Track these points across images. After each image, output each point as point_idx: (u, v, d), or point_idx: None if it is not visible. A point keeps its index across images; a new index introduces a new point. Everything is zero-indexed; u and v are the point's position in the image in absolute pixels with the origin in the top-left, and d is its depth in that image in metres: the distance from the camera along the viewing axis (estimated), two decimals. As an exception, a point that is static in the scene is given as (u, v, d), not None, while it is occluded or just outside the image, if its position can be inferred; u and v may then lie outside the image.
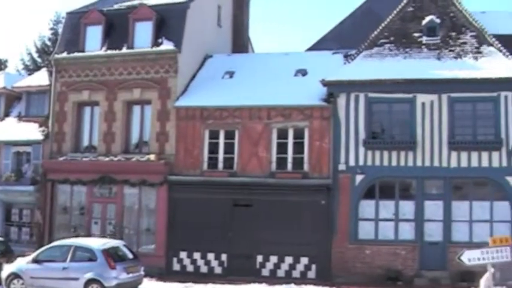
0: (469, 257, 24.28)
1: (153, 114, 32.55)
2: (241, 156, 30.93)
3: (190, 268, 31.00)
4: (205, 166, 31.57)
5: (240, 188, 30.34)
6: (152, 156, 31.69)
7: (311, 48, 38.82)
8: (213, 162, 31.58)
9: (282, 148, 30.69)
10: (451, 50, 30.89)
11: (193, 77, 34.31)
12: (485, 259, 24.11)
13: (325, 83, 29.85)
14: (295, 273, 29.73)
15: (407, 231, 29.11)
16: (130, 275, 24.03)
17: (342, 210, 29.42)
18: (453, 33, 31.63)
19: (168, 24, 33.44)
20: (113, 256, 23.77)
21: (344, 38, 36.79)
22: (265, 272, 30.03)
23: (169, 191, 31.45)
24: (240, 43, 39.56)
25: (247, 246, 30.02)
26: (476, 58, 30.34)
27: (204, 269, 30.80)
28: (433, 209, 28.94)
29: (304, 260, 29.77)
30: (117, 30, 34.09)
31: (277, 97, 30.97)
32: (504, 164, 28.68)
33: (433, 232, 28.89)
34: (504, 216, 28.51)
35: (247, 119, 31.01)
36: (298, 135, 30.56)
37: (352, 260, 29.10)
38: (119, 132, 32.94)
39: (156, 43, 33.01)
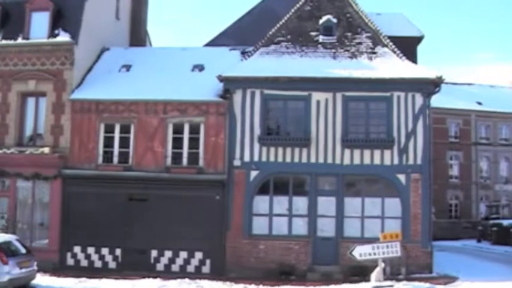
0: (361, 252, 24.97)
1: (48, 106, 31.78)
2: (136, 150, 30.64)
3: (84, 263, 30.47)
4: (100, 160, 31.06)
5: (135, 182, 30.07)
6: (46, 149, 31.02)
7: (209, 44, 38.80)
8: (108, 156, 31.10)
9: (177, 143, 30.55)
10: (346, 50, 31.51)
11: (90, 69, 33.73)
12: (376, 254, 24.87)
13: (221, 79, 29.90)
14: (190, 268, 29.73)
15: (300, 227, 29.53)
16: (23, 270, 23.38)
17: (237, 205, 29.57)
18: (349, 34, 32.27)
19: (65, 15, 32.75)
20: (5, 251, 23.03)
21: (242, 35, 36.94)
22: (159, 267, 29.87)
23: (63, 185, 30.80)
24: (138, 37, 39.27)
25: (142, 241, 29.82)
26: (370, 58, 31.06)
27: (98, 263, 30.34)
28: (326, 204, 29.47)
29: (199, 255, 29.79)
30: (13, 20, 33.11)
31: (174, 92, 30.88)
32: (395, 162, 29.49)
33: (326, 227, 29.42)
34: (395, 213, 29.37)
35: (143, 113, 30.73)
36: (194, 130, 30.52)
37: (246, 255, 29.30)
38: (13, 124, 32.07)
39: (52, 34, 32.26)
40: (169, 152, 30.53)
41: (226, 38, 38.19)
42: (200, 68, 33.00)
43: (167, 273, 28.44)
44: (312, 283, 26.43)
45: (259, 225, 29.65)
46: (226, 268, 29.16)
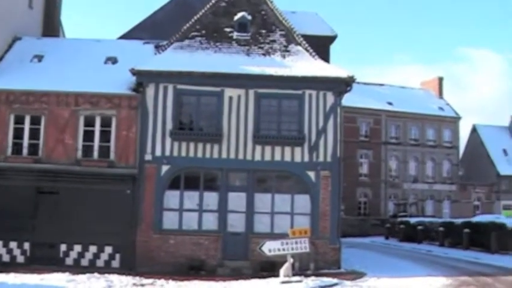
0: (270, 248, 25.21)
1: (-44, 97, 31.01)
2: (47, 142, 30.10)
3: (-8, 257, 29.85)
4: (9, 152, 30.32)
5: (45, 175, 29.55)
6: (-48, 140, 30.26)
7: (123, 37, 38.49)
8: (17, 148, 30.38)
9: (88, 136, 30.20)
10: (260, 47, 31.79)
11: (1, 59, 33.08)
12: (285, 250, 25.16)
13: (134, 72, 29.71)
14: (99, 263, 29.48)
15: (211, 222, 29.66)
16: None
17: (147, 200, 29.46)
18: (263, 31, 32.55)
19: (-26, 3, 32.06)
20: None
21: (157, 29, 36.83)
22: (69, 261, 29.45)
23: (-30, 178, 30.07)
24: (52, 27, 38.68)
25: (51, 234, 29.30)
26: (284, 56, 31.43)
27: (6, 257, 29.58)
28: (237, 200, 29.70)
29: (109, 249, 29.57)
30: None
31: (86, 84, 30.49)
32: (306, 159, 29.93)
33: (236, 223, 29.65)
34: (304, 209, 29.83)
35: (54, 105, 30.19)
36: (106, 123, 30.21)
37: (156, 250, 29.22)
38: None
39: (-40, 22, 31.56)
40: (80, 144, 30.10)
41: (141, 32, 37.94)
42: (113, 60, 32.79)
43: (76, 268, 28.00)
44: (221, 278, 26.45)
45: (170, 220, 29.61)
46: (136, 263, 28.98)
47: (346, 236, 44.46)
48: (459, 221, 47.99)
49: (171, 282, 24.89)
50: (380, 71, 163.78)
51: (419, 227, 51.65)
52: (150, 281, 24.97)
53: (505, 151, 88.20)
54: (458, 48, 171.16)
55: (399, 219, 60.79)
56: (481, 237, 41.17)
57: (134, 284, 24.10)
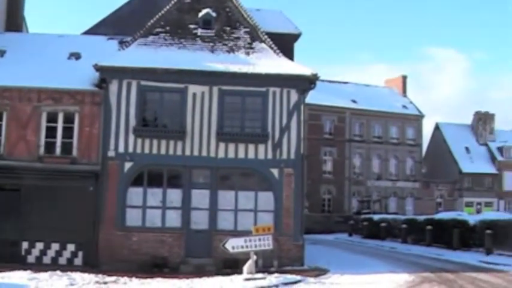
0: (233, 245, 25.28)
1: None
2: (8, 139, 29.72)
3: (-49, 255, 29.43)
4: (-30, 148, 30.07)
5: (7, 171, 29.10)
6: None
7: (87, 32, 38.21)
8: (-22, 144, 30.16)
9: (51, 132, 29.86)
10: (224, 44, 31.79)
11: (-38, 55, 32.62)
12: (248, 247, 25.26)
13: (97, 68, 29.45)
14: (62, 260, 29.22)
15: (174, 219, 29.56)
16: None
17: (110, 197, 29.24)
18: (228, 28, 32.55)
19: None
20: None
21: (122, 24, 36.56)
22: (30, 259, 29.15)
23: None
24: (15, 22, 38.27)
25: (12, 232, 28.93)
26: (248, 53, 31.48)
27: (-34, 255, 29.38)
28: (200, 197, 29.65)
29: (71, 247, 29.32)
30: None
31: (49, 80, 30.18)
32: (269, 156, 29.98)
33: (199, 220, 29.60)
34: (268, 206, 29.91)
35: (16, 101, 29.81)
36: (69, 119, 29.94)
37: (119, 247, 28.99)
38: None
39: None
40: (42, 141, 29.81)
41: (106, 27, 37.70)
42: (77, 56, 32.54)
43: (39, 266, 27.73)
44: (185, 275, 26.35)
45: (133, 217, 29.44)
46: (99, 260, 28.77)
47: (310, 233, 44.65)
48: (422, 218, 48.51)
49: (134, 279, 24.76)
50: (345, 70, 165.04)
51: (383, 224, 52.05)
52: (113, 278, 24.83)
53: (467, 149, 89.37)
54: (423, 47, 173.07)
55: (363, 216, 61.28)
56: (443, 234, 41.60)
57: (97, 282, 23.90)
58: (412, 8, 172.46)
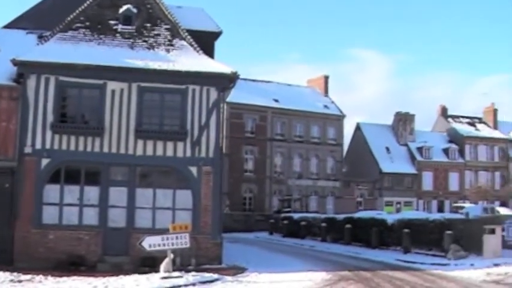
0: (150, 243, 25.20)
1: None
2: None
3: None
4: None
5: None
6: None
7: (7, 27, 37.28)
8: None
9: (-35, 127, 29.23)
10: (144, 41, 31.64)
11: None
12: (165, 245, 25.21)
13: (15, 63, 28.88)
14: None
15: (91, 217, 29.24)
16: None
17: (26, 194, 28.70)
18: (148, 25, 32.40)
19: None
20: None
21: (43, 19, 35.72)
22: None
23: None
24: None
25: None
26: (168, 50, 31.40)
27: None
28: (118, 195, 29.40)
29: (-15, 245, 28.74)
30: None
31: (-35, 74, 29.52)
32: (188, 154, 29.96)
33: (117, 218, 29.36)
34: (186, 204, 29.87)
35: None
36: (-16, 114, 29.32)
37: (35, 245, 28.51)
38: None
39: None
40: (-44, 136, 29.14)
41: (26, 21, 36.79)
42: (-4, 50, 31.81)
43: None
44: (101, 274, 26.07)
45: (50, 215, 28.96)
46: (15, 258, 28.15)
47: (231, 231, 44.96)
48: (341, 216, 49.24)
49: (49, 278, 24.46)
50: (271, 69, 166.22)
51: (303, 223, 52.63)
52: (28, 277, 24.47)
53: (387, 149, 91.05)
54: (348, 48, 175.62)
55: (283, 214, 61.73)
56: (362, 233, 42.33)
57: (11, 280, 23.58)
58: (339, 9, 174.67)
